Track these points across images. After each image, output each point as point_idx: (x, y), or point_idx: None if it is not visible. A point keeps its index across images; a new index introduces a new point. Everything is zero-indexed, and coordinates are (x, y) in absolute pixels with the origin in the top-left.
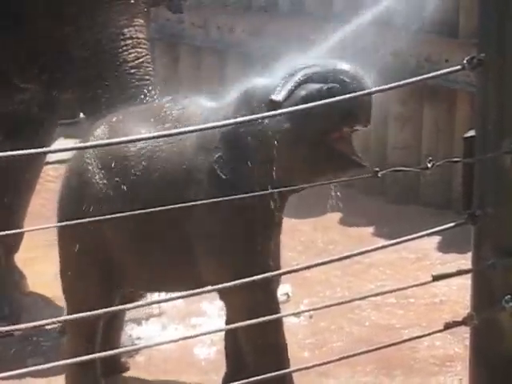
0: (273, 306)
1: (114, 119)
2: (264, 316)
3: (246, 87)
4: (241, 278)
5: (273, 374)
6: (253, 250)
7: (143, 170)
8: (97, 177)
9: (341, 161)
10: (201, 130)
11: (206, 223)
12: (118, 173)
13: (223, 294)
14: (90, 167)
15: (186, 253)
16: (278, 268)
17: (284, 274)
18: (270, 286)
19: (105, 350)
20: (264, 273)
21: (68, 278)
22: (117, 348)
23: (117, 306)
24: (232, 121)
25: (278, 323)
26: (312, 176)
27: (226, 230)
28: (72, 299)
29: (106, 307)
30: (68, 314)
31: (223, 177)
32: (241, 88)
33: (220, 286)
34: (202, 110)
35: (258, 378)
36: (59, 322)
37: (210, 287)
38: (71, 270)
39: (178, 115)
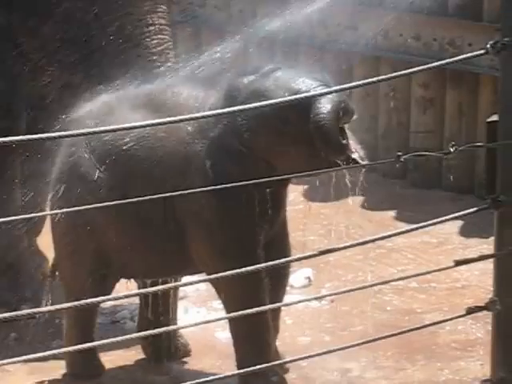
0: (261, 297)
1: (109, 105)
2: (251, 306)
3: (231, 81)
4: (229, 267)
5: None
6: (241, 238)
7: (137, 155)
8: (90, 163)
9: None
10: (185, 120)
11: (197, 210)
12: (112, 158)
13: (213, 283)
14: (83, 152)
15: (179, 240)
16: (286, 254)
17: (306, 258)
18: (260, 276)
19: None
20: (253, 263)
21: (64, 266)
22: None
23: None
24: (219, 111)
25: (264, 315)
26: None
27: (215, 218)
28: (69, 287)
29: (102, 295)
30: (66, 301)
31: (209, 167)
32: (228, 82)
33: (212, 276)
34: (193, 98)
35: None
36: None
37: (202, 276)
38: (67, 259)
39: (169, 103)
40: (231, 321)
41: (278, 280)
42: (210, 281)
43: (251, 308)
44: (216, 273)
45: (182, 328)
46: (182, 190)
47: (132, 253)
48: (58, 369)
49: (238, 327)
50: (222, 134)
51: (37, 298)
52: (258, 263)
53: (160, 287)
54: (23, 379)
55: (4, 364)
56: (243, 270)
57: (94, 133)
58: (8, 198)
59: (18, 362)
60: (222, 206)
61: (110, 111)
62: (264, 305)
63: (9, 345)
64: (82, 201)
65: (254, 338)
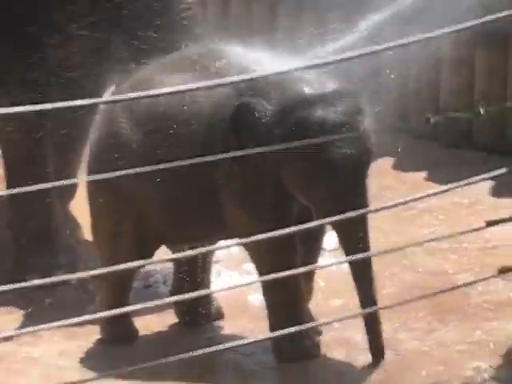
0: (293, 261)
1: (146, 71)
2: (282, 270)
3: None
4: (260, 231)
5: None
6: (271, 203)
7: (172, 123)
8: (128, 130)
9: None
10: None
11: (231, 177)
12: (149, 125)
13: (247, 248)
14: (121, 119)
15: (215, 205)
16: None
17: (338, 220)
18: (292, 241)
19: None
20: (283, 227)
21: (103, 232)
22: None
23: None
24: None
25: (296, 278)
26: None
27: (248, 184)
28: (107, 252)
29: (137, 259)
30: (103, 266)
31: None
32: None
33: (243, 240)
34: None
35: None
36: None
37: (235, 240)
38: (106, 225)
39: (211, 66)
40: (264, 284)
41: (312, 243)
42: (244, 245)
43: (282, 271)
44: (248, 237)
45: (215, 292)
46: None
47: (170, 219)
48: (93, 334)
49: (270, 291)
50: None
51: (71, 264)
52: (289, 227)
53: (193, 251)
54: (58, 344)
55: (40, 329)
56: (274, 233)
57: (131, 99)
58: (41, 164)
59: (53, 327)
60: (252, 172)
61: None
62: (296, 268)
63: (44, 310)
64: (120, 166)
65: (287, 301)
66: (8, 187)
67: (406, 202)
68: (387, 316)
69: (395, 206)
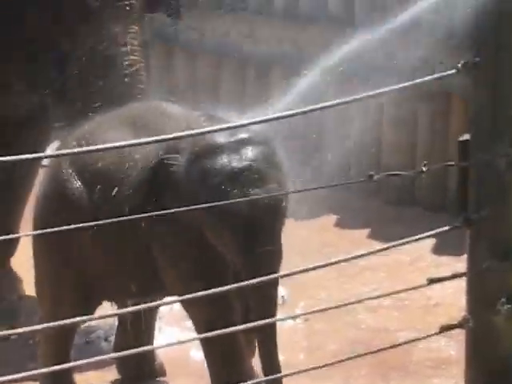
0: (230, 318)
1: (90, 126)
2: (219, 327)
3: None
4: (195, 291)
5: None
6: (206, 263)
7: (112, 178)
8: (71, 184)
9: None
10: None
11: (163, 236)
12: (90, 180)
13: (184, 306)
14: (64, 174)
15: (149, 263)
16: None
17: (279, 276)
18: (227, 299)
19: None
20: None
21: (43, 285)
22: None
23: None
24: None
25: (236, 336)
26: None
27: (179, 243)
28: (47, 306)
29: (79, 315)
30: (42, 320)
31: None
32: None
33: (179, 299)
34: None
35: None
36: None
37: (173, 298)
38: (47, 277)
39: (149, 123)
40: (201, 342)
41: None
42: (181, 303)
43: (219, 329)
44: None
45: (156, 348)
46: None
47: (109, 275)
48: None
49: (209, 348)
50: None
51: (12, 319)
52: (225, 285)
53: (136, 307)
54: None
55: None
56: (206, 292)
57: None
58: None
59: None
60: (177, 231)
61: (92, 132)
62: (234, 325)
63: None
64: (63, 221)
65: (226, 358)
66: None
67: (347, 259)
68: (329, 373)
69: (337, 262)
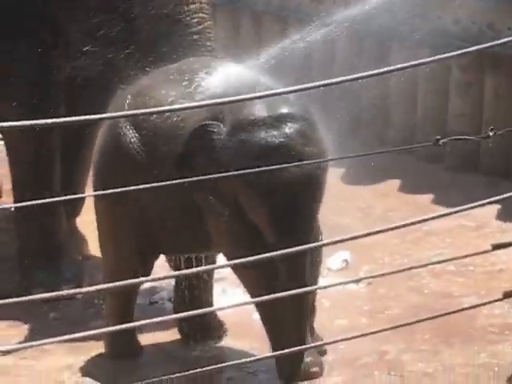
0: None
1: (144, 81)
2: (276, 291)
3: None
4: (242, 255)
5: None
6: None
7: (169, 137)
8: (127, 141)
9: None
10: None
11: (207, 200)
12: (144, 137)
13: (234, 269)
14: (121, 131)
15: (201, 222)
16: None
17: (343, 241)
18: (273, 264)
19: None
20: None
21: (105, 243)
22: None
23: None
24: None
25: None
26: None
27: (221, 210)
28: (109, 264)
29: (142, 272)
30: (105, 279)
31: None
32: None
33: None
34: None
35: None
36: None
37: (222, 263)
38: (108, 235)
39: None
40: (258, 306)
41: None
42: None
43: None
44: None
45: (219, 310)
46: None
47: (166, 228)
48: (97, 349)
49: (265, 311)
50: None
51: (76, 279)
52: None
53: (194, 270)
54: (62, 358)
55: (44, 343)
56: (258, 257)
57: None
58: (49, 178)
59: (58, 341)
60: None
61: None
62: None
63: (49, 324)
64: (120, 179)
65: (285, 321)
66: (15, 201)
67: (411, 224)
68: (392, 337)
69: (401, 227)
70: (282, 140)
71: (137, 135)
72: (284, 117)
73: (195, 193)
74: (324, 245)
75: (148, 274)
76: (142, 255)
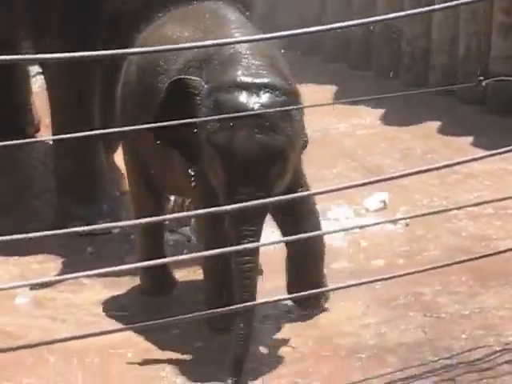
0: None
1: (157, 23)
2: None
3: None
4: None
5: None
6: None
7: (152, 81)
8: (132, 81)
9: None
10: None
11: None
12: (143, 80)
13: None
14: (129, 71)
15: (174, 169)
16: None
17: (381, 181)
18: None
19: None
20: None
21: (129, 186)
22: None
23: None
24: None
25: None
26: None
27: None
28: (132, 203)
29: (155, 209)
30: (131, 212)
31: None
32: None
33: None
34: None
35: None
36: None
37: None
38: (128, 176)
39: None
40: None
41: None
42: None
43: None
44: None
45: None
46: None
47: (158, 170)
48: (133, 284)
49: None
50: None
51: (113, 214)
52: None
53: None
54: (98, 292)
55: (80, 277)
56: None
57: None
58: (88, 111)
59: (94, 275)
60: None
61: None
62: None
63: (85, 259)
64: (134, 118)
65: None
66: (54, 134)
67: (450, 165)
68: (428, 279)
69: (440, 168)
70: (259, 108)
71: (139, 75)
72: (266, 85)
73: (165, 142)
74: (363, 184)
75: (162, 212)
76: (151, 192)
